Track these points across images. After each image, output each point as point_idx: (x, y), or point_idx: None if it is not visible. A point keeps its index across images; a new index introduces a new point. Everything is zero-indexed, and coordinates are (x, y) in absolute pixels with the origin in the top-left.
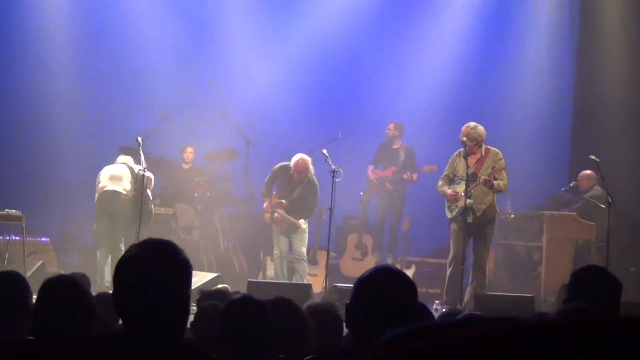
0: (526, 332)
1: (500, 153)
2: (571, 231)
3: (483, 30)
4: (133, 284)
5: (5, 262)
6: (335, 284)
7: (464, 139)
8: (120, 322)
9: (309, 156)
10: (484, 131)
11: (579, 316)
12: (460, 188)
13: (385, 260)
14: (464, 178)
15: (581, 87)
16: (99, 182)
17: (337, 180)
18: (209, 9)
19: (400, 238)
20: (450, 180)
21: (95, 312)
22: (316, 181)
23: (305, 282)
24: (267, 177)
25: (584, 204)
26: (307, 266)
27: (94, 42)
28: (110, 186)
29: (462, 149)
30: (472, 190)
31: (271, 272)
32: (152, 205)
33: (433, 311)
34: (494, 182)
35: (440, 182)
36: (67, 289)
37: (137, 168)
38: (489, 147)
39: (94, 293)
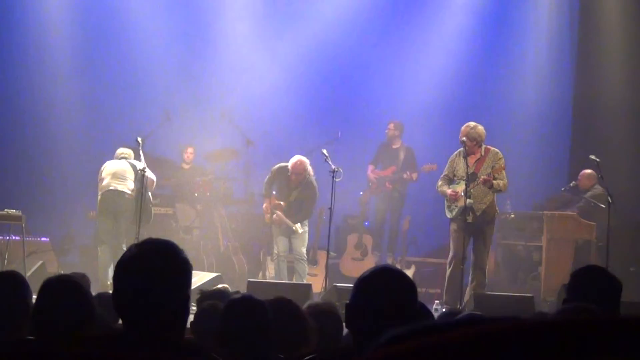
0: (526, 332)
1: (500, 153)
2: (571, 231)
3: (483, 30)
4: (133, 284)
5: (5, 262)
6: (335, 284)
7: (464, 138)
8: (120, 322)
9: (309, 156)
10: (484, 131)
11: (579, 316)
12: (460, 188)
13: (385, 260)
14: (464, 178)
15: (581, 87)
16: (102, 180)
17: (337, 180)
18: (209, 9)
19: (400, 238)
20: (450, 180)
21: (95, 312)
22: (315, 183)
23: (305, 282)
24: (267, 178)
25: (585, 203)
26: (307, 266)
27: (94, 43)
28: (115, 185)
29: (461, 149)
30: (471, 190)
31: (271, 272)
32: (152, 207)
33: (433, 311)
34: (494, 181)
35: (440, 182)
36: (67, 289)
37: (139, 165)
38: (488, 146)
39: (96, 292)
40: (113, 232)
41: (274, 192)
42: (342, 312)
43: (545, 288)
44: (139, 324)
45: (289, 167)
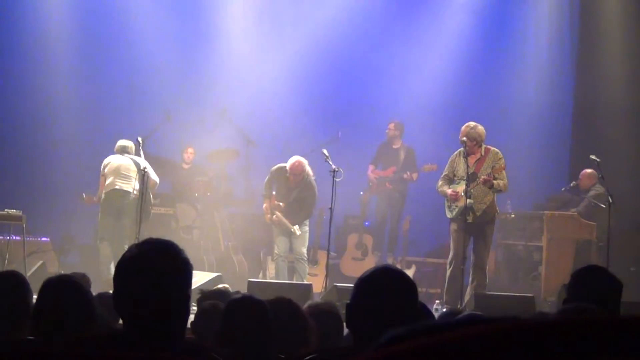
0: (526, 332)
1: (500, 153)
2: (572, 231)
3: (483, 30)
4: (133, 284)
5: (6, 262)
6: (335, 284)
7: (464, 138)
8: (121, 322)
9: (310, 156)
10: (484, 131)
11: (579, 316)
12: (460, 188)
13: (385, 260)
14: (464, 178)
15: (581, 87)
16: (105, 177)
17: (337, 180)
18: (209, 8)
19: (400, 238)
20: (450, 180)
21: (95, 312)
22: (314, 183)
23: (305, 282)
24: (267, 178)
25: (587, 204)
26: (308, 266)
27: (94, 43)
28: (120, 185)
29: (462, 149)
30: (472, 190)
31: (271, 272)
32: (151, 208)
33: (433, 311)
34: (494, 181)
35: (440, 182)
36: (67, 289)
37: (140, 163)
38: (488, 146)
39: (97, 291)
40: (115, 230)
41: (274, 193)
42: (342, 312)
43: (545, 288)
44: (139, 324)
45: (287, 167)
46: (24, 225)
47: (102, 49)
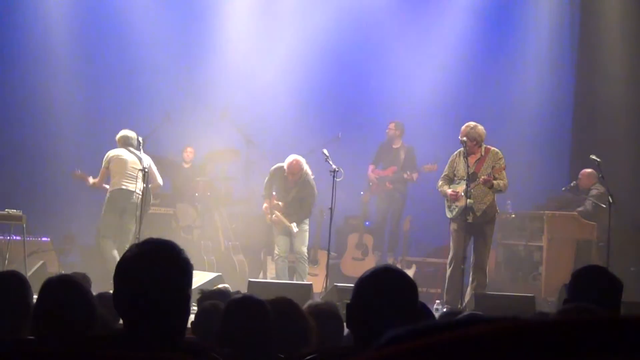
0: (526, 332)
1: (500, 153)
2: (572, 231)
3: (484, 30)
4: (134, 283)
5: (6, 262)
6: (335, 284)
7: (464, 138)
8: (121, 322)
9: (310, 156)
10: (484, 131)
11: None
12: (461, 188)
13: (385, 260)
14: (464, 178)
15: (582, 87)
16: (109, 171)
17: (337, 180)
18: (209, 8)
19: (400, 238)
20: (450, 180)
21: (95, 312)
22: (312, 182)
23: (305, 281)
24: (266, 178)
25: (588, 205)
26: (308, 266)
27: (93, 42)
28: (126, 185)
29: (462, 149)
30: (472, 190)
31: (272, 272)
32: (149, 207)
33: (433, 311)
34: (494, 181)
35: (440, 182)
36: (67, 289)
37: (145, 161)
38: (488, 146)
39: (99, 290)
40: (117, 228)
41: (273, 193)
42: (342, 312)
43: (545, 288)
44: (140, 324)
45: (285, 167)
46: (24, 225)
47: (102, 49)
